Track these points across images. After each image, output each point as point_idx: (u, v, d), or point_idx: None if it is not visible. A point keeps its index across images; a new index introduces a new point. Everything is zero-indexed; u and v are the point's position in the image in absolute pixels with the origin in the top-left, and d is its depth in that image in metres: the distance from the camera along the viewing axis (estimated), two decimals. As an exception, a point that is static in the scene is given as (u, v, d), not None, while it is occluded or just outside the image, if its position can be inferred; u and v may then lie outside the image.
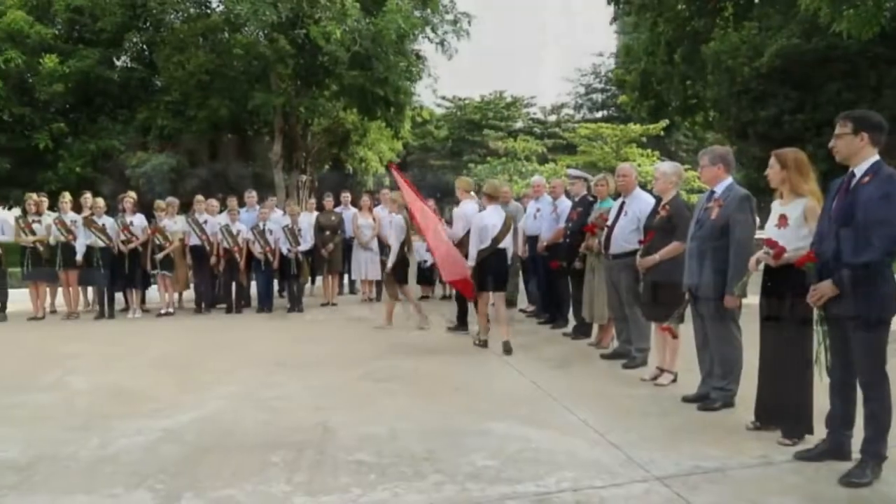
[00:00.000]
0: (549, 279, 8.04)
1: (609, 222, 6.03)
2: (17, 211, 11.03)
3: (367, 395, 5.10)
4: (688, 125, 23.47)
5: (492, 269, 6.71)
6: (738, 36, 14.28)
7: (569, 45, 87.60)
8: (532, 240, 8.47)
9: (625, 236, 5.79)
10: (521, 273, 9.65)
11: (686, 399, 4.72)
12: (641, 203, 5.80)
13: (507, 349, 6.47)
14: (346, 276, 11.48)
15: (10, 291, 9.58)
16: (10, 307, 9.49)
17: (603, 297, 6.38)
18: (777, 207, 3.97)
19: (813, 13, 11.98)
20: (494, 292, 6.82)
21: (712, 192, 4.58)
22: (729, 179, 4.56)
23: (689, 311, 4.76)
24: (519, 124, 45.48)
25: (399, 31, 14.76)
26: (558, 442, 3.96)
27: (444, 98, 44.92)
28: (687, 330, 4.92)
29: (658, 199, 5.42)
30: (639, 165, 26.80)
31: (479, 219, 6.84)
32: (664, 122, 28.17)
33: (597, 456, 3.73)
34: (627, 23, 20.92)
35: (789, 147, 4.13)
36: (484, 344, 6.86)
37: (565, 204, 7.81)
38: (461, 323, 7.82)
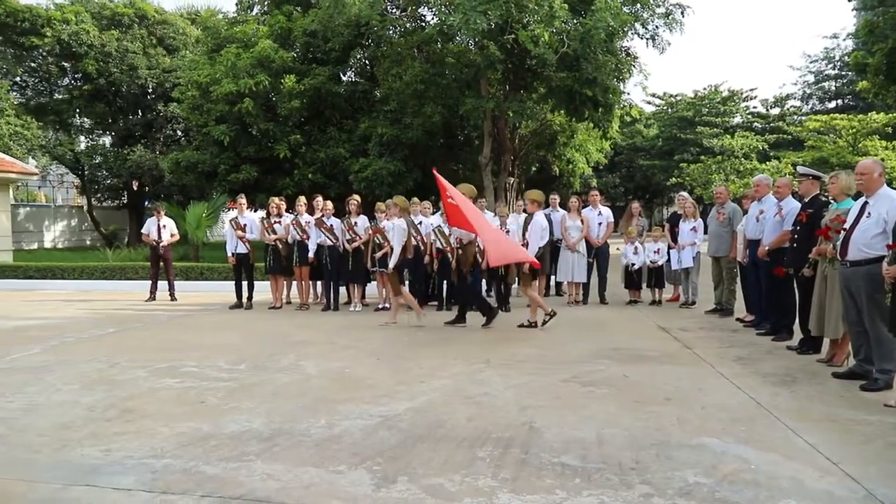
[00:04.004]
0: (771, 287, 7.40)
1: (847, 225, 5.40)
2: (261, 213, 12.53)
3: (574, 397, 5.07)
4: (949, 112, 20.12)
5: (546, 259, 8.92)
6: None
7: (795, 29, 79.59)
8: (753, 244, 7.84)
9: (866, 241, 5.15)
10: (739, 279, 8.99)
11: (944, 431, 4.09)
12: (889, 203, 5.10)
13: (543, 322, 8.25)
14: (551, 278, 11.49)
15: (255, 283, 10.96)
16: (255, 297, 10.88)
17: (837, 308, 5.73)
18: None
19: None
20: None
21: (983, 191, 3.91)
22: None
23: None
24: (737, 119, 42.47)
25: (608, 29, 14.41)
26: (781, 466, 3.63)
27: (654, 95, 43.27)
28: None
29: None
30: (882, 160, 23.59)
31: (541, 220, 8.57)
32: (917, 110, 24.53)
33: (828, 487, 3.35)
34: (871, -3, 18.46)
35: None
36: (553, 314, 8.27)
37: (791, 205, 7.14)
38: (461, 317, 8.67)
